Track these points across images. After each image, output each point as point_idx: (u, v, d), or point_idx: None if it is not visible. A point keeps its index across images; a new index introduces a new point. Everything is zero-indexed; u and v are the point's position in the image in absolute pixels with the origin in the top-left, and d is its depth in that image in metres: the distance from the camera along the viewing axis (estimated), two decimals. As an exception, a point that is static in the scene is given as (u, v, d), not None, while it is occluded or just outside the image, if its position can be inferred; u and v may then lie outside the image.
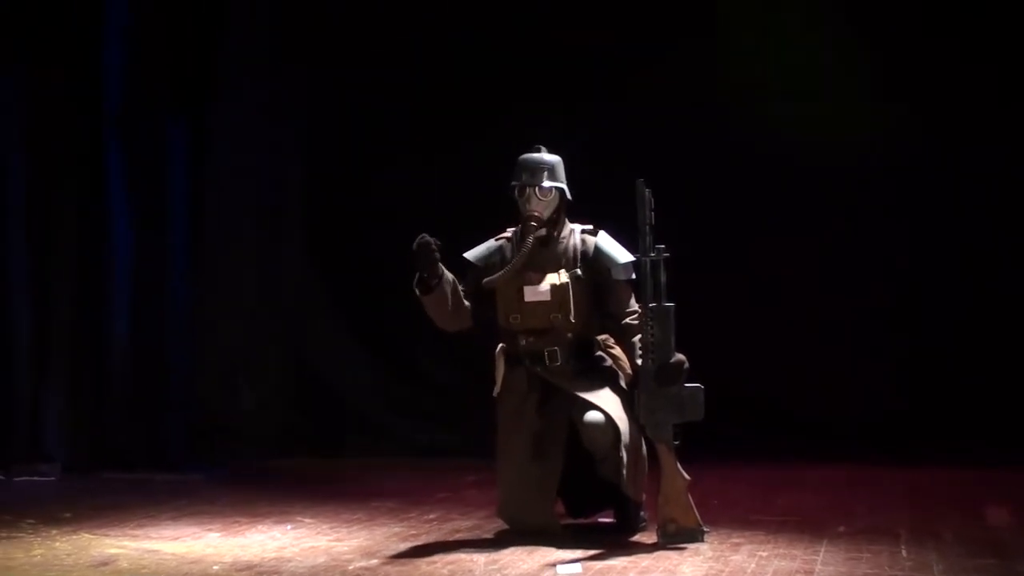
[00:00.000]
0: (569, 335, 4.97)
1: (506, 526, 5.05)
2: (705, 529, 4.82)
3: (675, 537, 4.76)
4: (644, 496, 5.03)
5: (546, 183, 4.98)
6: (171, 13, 7.42)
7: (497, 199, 6.70)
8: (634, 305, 4.99)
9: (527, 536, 4.90)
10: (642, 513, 5.07)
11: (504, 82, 7.74)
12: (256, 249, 8.04)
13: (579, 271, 4.98)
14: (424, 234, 4.89)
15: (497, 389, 5.05)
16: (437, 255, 4.89)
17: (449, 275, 4.97)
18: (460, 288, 5.02)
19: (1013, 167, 7.44)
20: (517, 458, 4.96)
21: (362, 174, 8.08)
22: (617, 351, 5.05)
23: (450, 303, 4.97)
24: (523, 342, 4.99)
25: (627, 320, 4.96)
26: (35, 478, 6.92)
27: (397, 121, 7.97)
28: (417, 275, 4.94)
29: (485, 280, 4.97)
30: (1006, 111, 7.42)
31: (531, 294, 4.93)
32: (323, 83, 8.12)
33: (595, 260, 5.01)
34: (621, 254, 5.01)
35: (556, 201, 5.02)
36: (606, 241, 5.05)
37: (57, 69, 7.19)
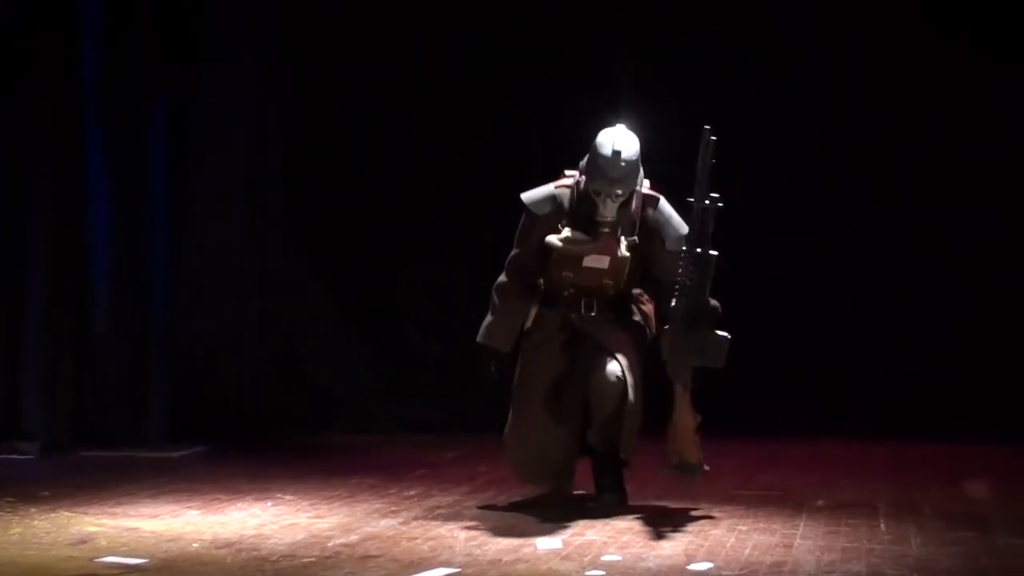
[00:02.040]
0: (612, 293, 5.09)
1: (490, 505, 5.10)
2: (705, 468, 4.97)
3: (677, 468, 4.96)
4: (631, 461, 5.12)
5: (620, 192, 4.99)
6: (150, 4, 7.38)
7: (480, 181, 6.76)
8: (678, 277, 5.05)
9: (507, 511, 4.94)
10: (624, 491, 5.12)
11: (496, 76, 7.72)
12: (238, 226, 8.02)
13: (636, 239, 5.05)
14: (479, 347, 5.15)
15: (528, 323, 5.14)
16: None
17: (510, 341, 5.15)
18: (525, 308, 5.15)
19: (1014, 166, 7.48)
20: (536, 409, 5.09)
21: (347, 149, 8.05)
22: (648, 307, 5.20)
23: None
24: (566, 292, 5.10)
25: (664, 294, 5.04)
26: (14, 456, 6.91)
27: (384, 98, 7.92)
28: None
29: (550, 241, 5.03)
30: (1009, 107, 7.45)
31: (592, 261, 5.02)
32: (308, 58, 8.07)
33: (652, 230, 5.08)
34: (678, 226, 5.07)
35: (628, 196, 5.05)
36: (666, 211, 5.11)
37: (36, 44, 7.15)
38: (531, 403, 5.13)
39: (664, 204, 5.12)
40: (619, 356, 5.01)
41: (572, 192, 5.10)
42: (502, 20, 7.79)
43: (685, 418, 4.92)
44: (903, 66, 7.59)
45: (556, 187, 5.15)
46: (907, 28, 7.59)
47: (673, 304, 4.88)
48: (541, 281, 5.18)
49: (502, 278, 5.20)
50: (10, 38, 7.12)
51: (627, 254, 5.01)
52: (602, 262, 5.02)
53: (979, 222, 7.54)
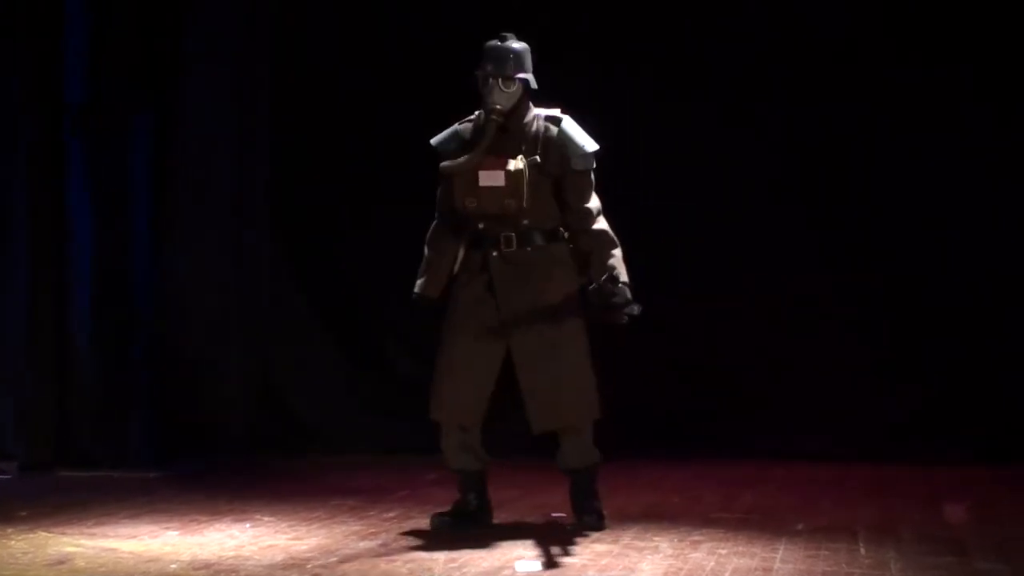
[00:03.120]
0: (525, 222, 4.98)
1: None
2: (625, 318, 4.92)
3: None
4: (596, 416, 5.07)
5: (511, 73, 4.98)
6: (133, 10, 7.38)
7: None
8: (592, 201, 5.03)
9: (487, 534, 4.93)
10: (604, 514, 5.09)
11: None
12: (221, 245, 7.98)
13: (538, 158, 4.99)
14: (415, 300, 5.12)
15: (457, 268, 5.11)
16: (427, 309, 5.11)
17: (437, 291, 5.13)
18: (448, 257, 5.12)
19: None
20: (455, 353, 5.03)
21: (331, 166, 8.00)
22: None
23: (448, 278, 5.13)
24: (480, 226, 5.03)
25: (582, 223, 5.00)
26: (-8, 475, 6.90)
27: (369, 114, 7.90)
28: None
29: (442, 165, 5.01)
30: (1011, 100, 7.38)
31: (486, 179, 4.93)
32: (290, 74, 8.01)
33: (556, 148, 5.01)
34: (584, 142, 5.03)
35: (520, 91, 5.02)
36: (570, 128, 5.05)
37: (17, 58, 7.14)
38: (451, 346, 5.05)
39: (568, 122, 5.07)
40: (541, 364, 4.94)
41: (474, 125, 5.09)
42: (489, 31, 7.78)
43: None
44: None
45: (459, 124, 5.16)
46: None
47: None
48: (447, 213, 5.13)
49: (431, 229, 5.21)
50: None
51: (520, 166, 4.92)
52: (497, 179, 4.92)
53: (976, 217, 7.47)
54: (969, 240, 7.46)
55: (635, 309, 4.89)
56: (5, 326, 7.14)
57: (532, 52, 5.09)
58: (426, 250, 5.22)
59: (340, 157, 7.99)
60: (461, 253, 5.11)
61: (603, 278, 4.87)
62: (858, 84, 7.57)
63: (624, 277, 4.92)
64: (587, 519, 5.05)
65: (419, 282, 5.18)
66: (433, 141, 5.18)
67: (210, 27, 7.84)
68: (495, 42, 5.05)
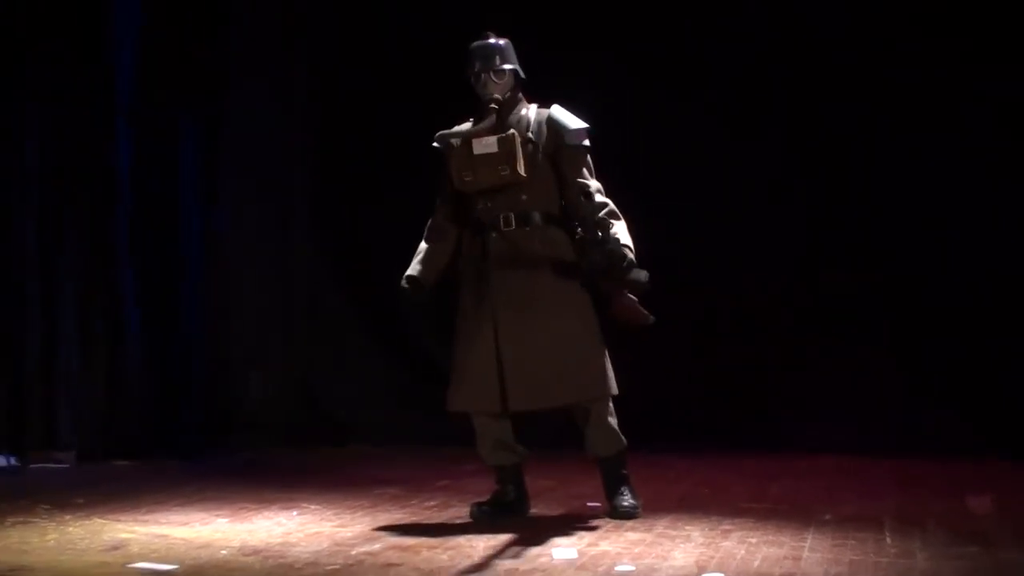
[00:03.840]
0: (523, 197, 4.92)
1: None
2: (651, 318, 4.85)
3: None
4: (612, 387, 4.94)
5: (500, 65, 5.01)
6: (181, 9, 7.39)
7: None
8: (591, 180, 4.96)
9: (524, 522, 4.91)
10: (636, 500, 5.04)
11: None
12: (263, 245, 8.03)
13: (531, 136, 4.96)
14: (402, 288, 5.04)
15: (459, 259, 5.07)
16: (418, 297, 5.04)
17: (431, 277, 5.04)
18: (444, 250, 5.06)
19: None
20: (470, 345, 4.94)
21: (372, 168, 8.00)
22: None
23: (444, 268, 5.05)
24: (480, 206, 4.98)
25: (581, 191, 4.92)
26: (50, 465, 6.93)
27: (409, 117, 7.63)
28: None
29: (436, 141, 4.96)
30: (1011, 100, 7.19)
31: (480, 147, 4.89)
32: (332, 78, 8.05)
33: (548, 127, 4.99)
34: (574, 120, 5.01)
35: (511, 82, 5.05)
36: (559, 110, 5.05)
37: (70, 66, 7.17)
38: (461, 334, 4.99)
39: (557, 106, 5.06)
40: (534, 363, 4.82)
41: (472, 121, 5.06)
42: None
43: (621, 299, 4.82)
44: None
45: (459, 125, 5.12)
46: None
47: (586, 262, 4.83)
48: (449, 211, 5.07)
49: (428, 223, 5.16)
50: (47, 57, 7.14)
51: (512, 132, 4.89)
52: (491, 145, 4.88)
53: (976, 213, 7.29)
54: (969, 240, 7.29)
55: (641, 274, 4.77)
56: (61, 327, 7.17)
57: (515, 49, 5.09)
58: (423, 242, 5.13)
59: (381, 161, 7.97)
60: (466, 239, 5.03)
61: (600, 230, 4.77)
62: (858, 84, 7.42)
63: (627, 242, 4.80)
64: (620, 508, 5.02)
65: (413, 266, 5.08)
66: (437, 135, 5.07)
67: (253, 38, 7.89)
68: (478, 41, 5.07)
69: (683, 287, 5.08)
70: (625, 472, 5.07)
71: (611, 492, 5.06)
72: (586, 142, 5.01)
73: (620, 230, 4.85)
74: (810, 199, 7.55)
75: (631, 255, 4.79)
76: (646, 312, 4.85)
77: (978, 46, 7.18)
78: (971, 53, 7.18)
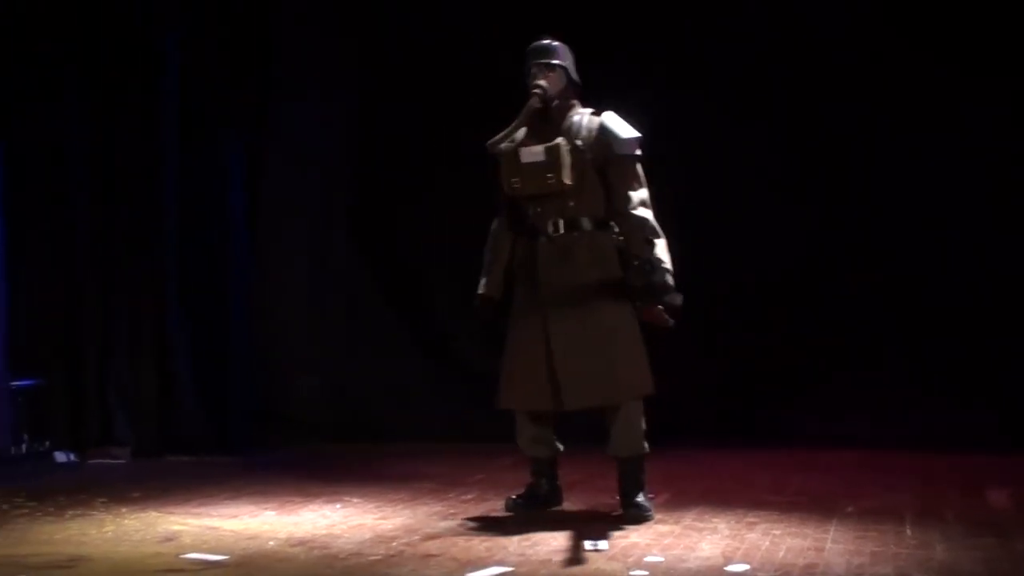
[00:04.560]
0: (571, 204, 4.87)
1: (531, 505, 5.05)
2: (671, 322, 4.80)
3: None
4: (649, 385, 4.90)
5: (551, 61, 4.96)
6: (224, 39, 7.43)
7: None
8: (636, 190, 4.87)
9: (557, 515, 4.91)
10: (649, 505, 4.92)
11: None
12: (308, 250, 8.05)
13: (580, 143, 4.88)
14: (476, 303, 5.05)
15: (516, 258, 5.04)
16: (488, 314, 5.05)
17: (497, 292, 5.05)
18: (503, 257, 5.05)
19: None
20: (521, 347, 4.93)
21: (410, 176, 7.90)
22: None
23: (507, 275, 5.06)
24: (531, 211, 4.94)
25: (623, 206, 4.86)
26: (107, 461, 6.98)
27: (447, 125, 7.61)
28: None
29: (488, 143, 4.95)
30: (1011, 100, 7.01)
31: (527, 155, 4.86)
32: (369, 93, 7.99)
33: (598, 135, 4.90)
34: (625, 129, 4.92)
35: (562, 81, 4.98)
36: (611, 118, 4.94)
37: (122, 94, 7.22)
38: (512, 337, 4.97)
39: (610, 113, 4.96)
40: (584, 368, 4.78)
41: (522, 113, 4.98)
42: (489, 31, 7.42)
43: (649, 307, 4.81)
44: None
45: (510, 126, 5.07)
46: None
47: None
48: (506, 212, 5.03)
49: (490, 231, 5.12)
50: (99, 77, 7.21)
51: (559, 141, 4.83)
52: (537, 154, 4.82)
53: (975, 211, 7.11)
54: (969, 240, 7.11)
55: (677, 298, 4.72)
56: (115, 337, 7.23)
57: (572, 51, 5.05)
58: (485, 252, 5.13)
59: (420, 169, 7.94)
60: (520, 245, 5.01)
61: (643, 256, 4.71)
62: (858, 84, 7.22)
63: (667, 263, 4.75)
64: (632, 512, 4.85)
65: (481, 283, 5.10)
66: (490, 143, 5.05)
67: (296, 58, 7.90)
68: (536, 42, 5.04)
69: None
70: (642, 477, 4.94)
71: (626, 494, 4.92)
72: (637, 151, 4.92)
73: (660, 250, 4.78)
74: (810, 199, 7.36)
75: (671, 280, 4.74)
76: (667, 317, 4.82)
77: (978, 46, 6.99)
78: (971, 53, 6.99)
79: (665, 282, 4.72)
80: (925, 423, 6.83)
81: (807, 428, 7.12)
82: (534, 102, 4.89)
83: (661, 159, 5.12)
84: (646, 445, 4.94)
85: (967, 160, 7.11)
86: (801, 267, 7.35)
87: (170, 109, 7.27)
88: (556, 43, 5.03)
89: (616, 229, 4.92)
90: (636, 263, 4.76)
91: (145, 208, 7.25)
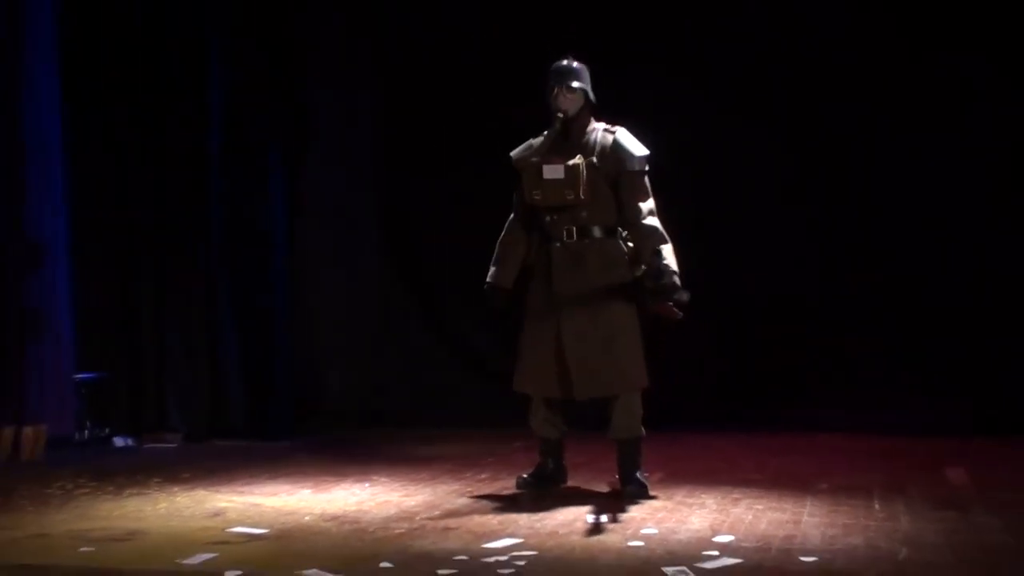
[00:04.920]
0: (584, 214, 4.88)
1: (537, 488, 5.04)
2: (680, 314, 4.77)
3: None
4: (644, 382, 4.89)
5: (572, 84, 4.95)
6: (264, 62, 7.43)
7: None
8: (645, 201, 4.87)
9: (562, 492, 4.90)
10: (646, 483, 4.90)
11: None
12: (340, 258, 8.02)
13: (595, 160, 4.90)
14: (487, 289, 5.02)
15: (531, 258, 5.03)
16: (499, 301, 5.01)
17: (508, 282, 5.02)
18: (519, 252, 5.01)
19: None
20: (531, 337, 4.94)
21: (437, 182, 7.71)
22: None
23: (519, 268, 5.02)
24: (547, 219, 4.95)
25: (634, 217, 4.86)
26: (161, 445, 6.99)
27: (470, 135, 7.32)
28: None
29: (514, 158, 4.95)
30: (1011, 100, 6.71)
31: (548, 172, 4.87)
32: (397, 108, 7.77)
33: (612, 152, 4.91)
34: (636, 147, 4.94)
35: (581, 101, 4.98)
36: (624, 136, 4.97)
37: (171, 116, 7.22)
38: (528, 329, 4.98)
39: (623, 131, 4.98)
40: (592, 360, 4.79)
41: (544, 136, 5.00)
42: (488, 31, 7.17)
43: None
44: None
45: (533, 138, 5.08)
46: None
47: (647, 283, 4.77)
48: (523, 213, 5.01)
49: (505, 226, 5.11)
50: (149, 106, 7.21)
51: (578, 161, 4.84)
52: (558, 172, 4.82)
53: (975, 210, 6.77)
54: (969, 240, 6.83)
55: (684, 296, 4.74)
56: (169, 336, 7.24)
57: (551, 68, 4.99)
58: (499, 244, 5.12)
59: (446, 176, 7.65)
60: (535, 244, 5.01)
61: (654, 263, 4.72)
62: (858, 84, 6.93)
63: (674, 266, 4.77)
64: (630, 489, 4.87)
65: (491, 271, 5.09)
66: (512, 154, 5.10)
67: (329, 77, 7.84)
68: (559, 61, 5.02)
69: (689, 287, 4.89)
70: (639, 458, 4.95)
71: (624, 473, 4.94)
72: (646, 167, 4.92)
73: (668, 255, 4.79)
74: (810, 199, 7.10)
75: (678, 281, 4.75)
76: (677, 311, 4.80)
77: (978, 46, 6.70)
78: (971, 53, 6.70)
79: (674, 283, 4.75)
80: (925, 423, 6.60)
81: (801, 413, 6.91)
82: (557, 126, 4.92)
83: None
84: (643, 429, 4.95)
85: (967, 160, 6.82)
86: (801, 267, 7.12)
87: (215, 120, 7.25)
88: (577, 64, 5.02)
89: (623, 234, 4.96)
90: (648, 269, 4.78)
91: (195, 216, 7.25)
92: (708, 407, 7.24)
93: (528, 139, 5.12)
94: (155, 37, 7.19)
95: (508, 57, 7.11)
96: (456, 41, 7.55)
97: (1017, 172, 6.79)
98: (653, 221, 4.87)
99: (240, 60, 7.32)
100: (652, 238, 4.82)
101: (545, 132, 5.04)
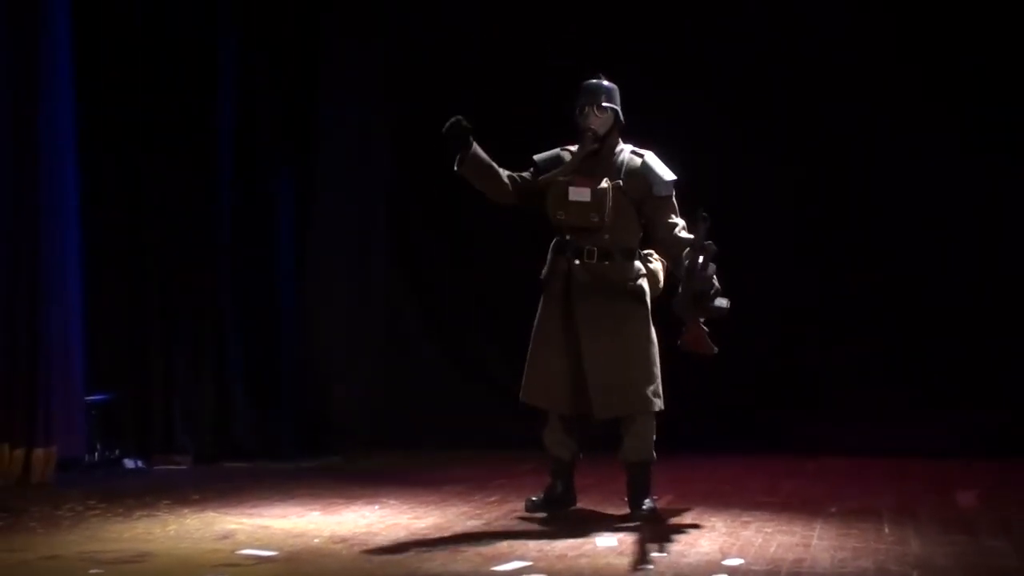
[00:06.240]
0: (606, 236, 4.86)
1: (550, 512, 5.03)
2: (715, 349, 4.72)
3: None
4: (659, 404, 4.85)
5: (603, 103, 4.93)
6: (274, 81, 7.45)
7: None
8: (679, 220, 4.85)
9: (571, 515, 4.89)
10: (655, 506, 4.89)
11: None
12: (349, 275, 8.00)
13: (622, 182, 4.87)
14: (458, 116, 4.79)
15: (545, 272, 4.99)
16: (468, 131, 4.79)
17: (480, 151, 4.86)
18: (499, 170, 4.89)
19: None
20: (542, 352, 4.90)
21: (438, 208, 7.69)
22: (657, 265, 4.96)
23: (483, 172, 4.88)
24: (567, 237, 4.93)
25: (670, 234, 4.84)
26: (171, 467, 6.98)
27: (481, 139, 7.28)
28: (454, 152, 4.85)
29: (541, 177, 4.92)
30: (1011, 100, 6.68)
31: (575, 194, 4.83)
32: (407, 130, 7.69)
33: (639, 176, 4.89)
34: (664, 172, 4.91)
35: (611, 121, 4.94)
36: (652, 159, 4.94)
37: (179, 135, 7.25)
38: (539, 342, 4.94)
39: (651, 154, 4.95)
40: (609, 372, 4.75)
41: (571, 154, 4.95)
42: (488, 31, 7.05)
43: (695, 329, 4.73)
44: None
45: (561, 149, 5.02)
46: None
47: (678, 293, 4.71)
48: (520, 178, 4.92)
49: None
50: (159, 132, 7.22)
51: (606, 186, 4.81)
52: (584, 195, 4.78)
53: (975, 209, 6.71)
54: (969, 240, 6.77)
55: (724, 302, 4.68)
56: (179, 352, 7.24)
57: (575, 87, 4.96)
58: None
59: (454, 194, 7.65)
60: (550, 257, 4.97)
61: (691, 265, 4.62)
62: (858, 84, 6.87)
63: (710, 272, 4.68)
64: (639, 513, 4.85)
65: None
66: (536, 157, 5.05)
67: (339, 96, 7.84)
68: (590, 80, 4.99)
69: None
70: (649, 481, 4.94)
71: (634, 496, 4.92)
72: (673, 191, 4.90)
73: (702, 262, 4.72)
74: (810, 199, 7.03)
75: (717, 283, 4.70)
76: (711, 344, 4.77)
77: (978, 46, 6.65)
78: (971, 53, 6.66)
79: (715, 286, 4.65)
80: (925, 422, 6.53)
81: (807, 430, 6.81)
82: (588, 145, 4.89)
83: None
84: (654, 454, 4.94)
85: (967, 160, 6.76)
86: (801, 267, 7.03)
87: (225, 141, 7.26)
88: (608, 84, 4.99)
89: (643, 253, 4.95)
90: (685, 269, 4.67)
91: (203, 236, 7.25)
92: (716, 430, 7.17)
93: (555, 148, 5.01)
94: (164, 47, 7.18)
95: (521, 70, 6.98)
96: (472, 56, 7.46)
97: (1017, 172, 6.73)
98: (686, 235, 4.85)
99: (253, 70, 7.32)
100: (687, 245, 4.76)
101: (573, 147, 4.97)
